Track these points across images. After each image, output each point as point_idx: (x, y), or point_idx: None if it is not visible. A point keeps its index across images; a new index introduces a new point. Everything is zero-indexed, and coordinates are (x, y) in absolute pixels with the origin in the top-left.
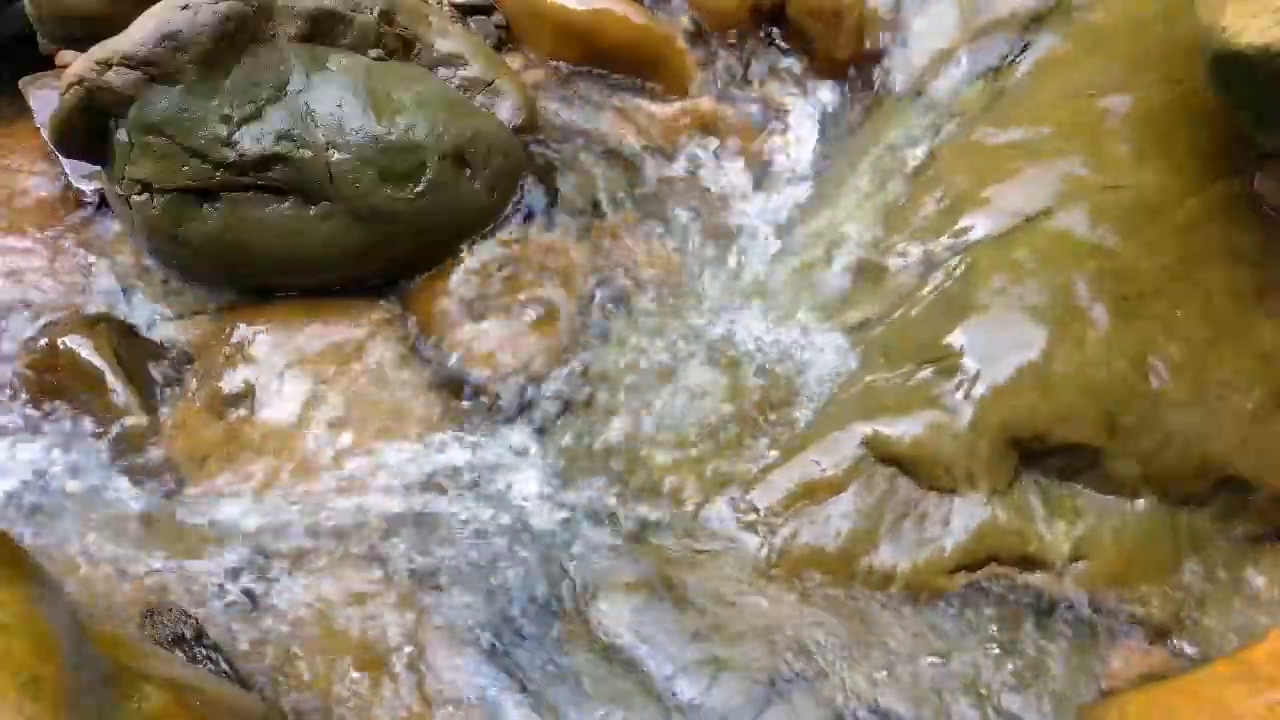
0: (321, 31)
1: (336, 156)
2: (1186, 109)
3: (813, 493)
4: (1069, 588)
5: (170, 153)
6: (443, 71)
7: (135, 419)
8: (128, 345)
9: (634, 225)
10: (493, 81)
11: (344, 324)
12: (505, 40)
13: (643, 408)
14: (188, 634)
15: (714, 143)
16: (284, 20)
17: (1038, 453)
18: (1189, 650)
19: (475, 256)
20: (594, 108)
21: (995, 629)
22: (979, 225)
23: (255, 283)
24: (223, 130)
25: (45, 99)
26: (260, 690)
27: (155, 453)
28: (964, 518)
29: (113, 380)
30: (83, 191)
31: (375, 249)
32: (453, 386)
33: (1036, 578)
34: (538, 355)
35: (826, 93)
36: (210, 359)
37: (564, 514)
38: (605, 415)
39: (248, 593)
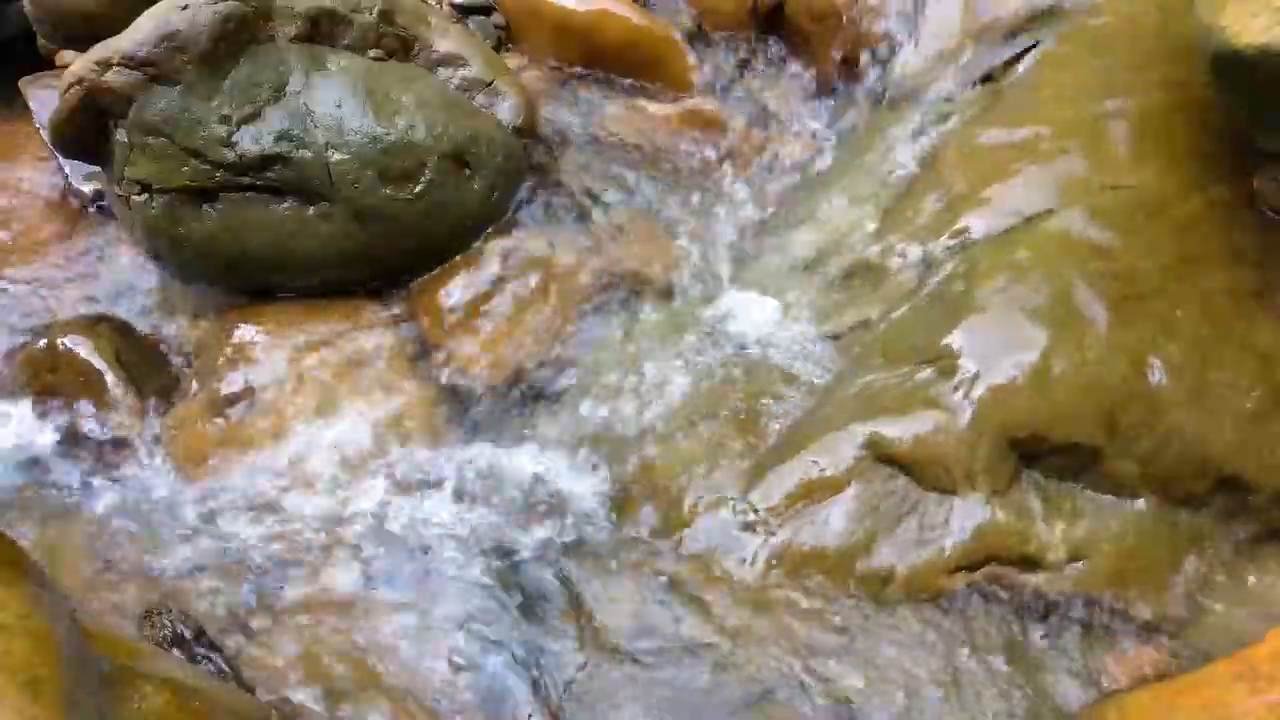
0: (321, 32)
1: (336, 157)
2: (1186, 109)
3: (812, 493)
4: (1068, 588)
5: (169, 153)
6: (442, 72)
7: (135, 419)
8: (128, 345)
9: (633, 225)
10: (492, 82)
11: (344, 324)
12: (505, 40)
13: (643, 407)
14: (188, 634)
15: (713, 142)
16: (284, 20)
17: (1037, 453)
18: (1189, 650)
19: (475, 257)
20: (593, 108)
21: (994, 629)
22: (979, 225)
23: (255, 283)
24: (222, 131)
25: (45, 99)
26: (260, 690)
27: (155, 453)
28: (963, 518)
29: (113, 380)
30: (83, 191)
31: (375, 249)
32: (453, 386)
33: (1036, 578)
34: (538, 355)
35: (825, 92)
36: (210, 359)
37: (564, 513)
38: (605, 415)
39: (248, 592)
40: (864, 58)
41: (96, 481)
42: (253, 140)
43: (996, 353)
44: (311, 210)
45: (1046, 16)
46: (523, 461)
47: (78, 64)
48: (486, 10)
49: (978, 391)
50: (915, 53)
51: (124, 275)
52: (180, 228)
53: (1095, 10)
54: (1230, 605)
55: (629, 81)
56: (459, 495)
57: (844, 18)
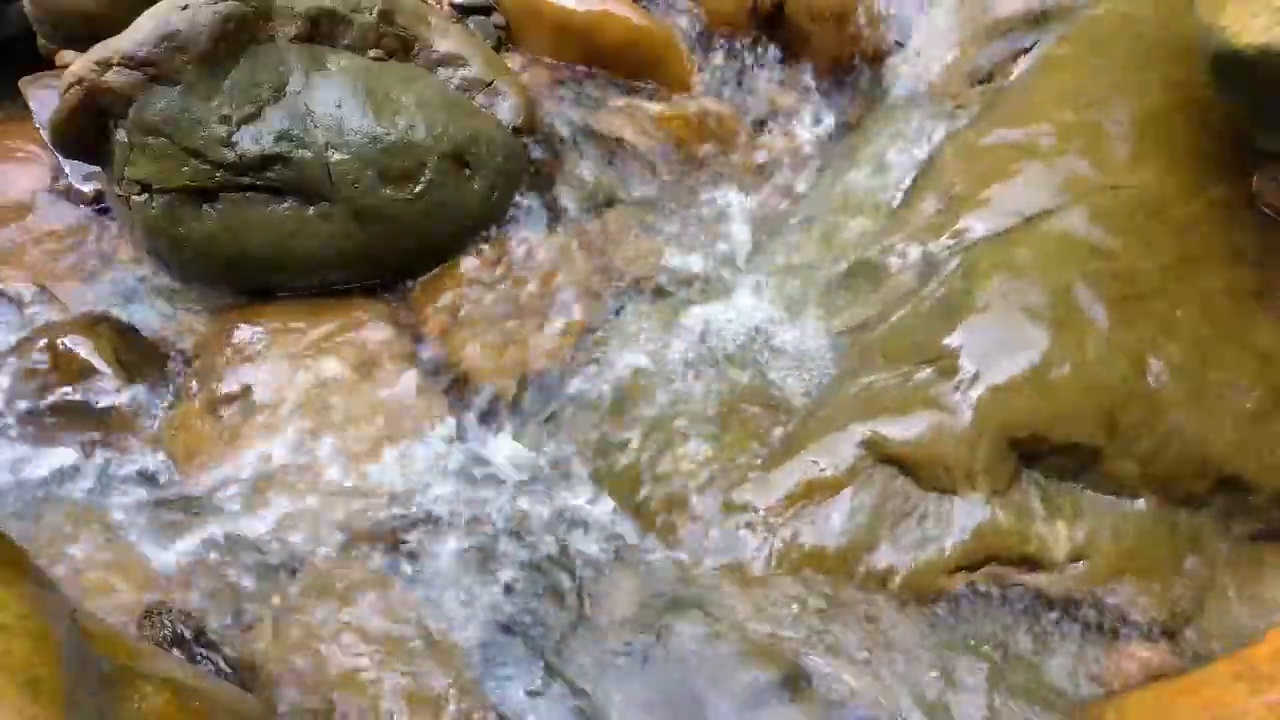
0: (321, 31)
1: (336, 157)
2: (1186, 109)
3: (812, 493)
4: (1069, 588)
5: (169, 153)
6: (442, 72)
7: (134, 419)
8: (128, 345)
9: (633, 225)
10: (492, 82)
11: (344, 324)
12: (505, 40)
13: (642, 408)
14: (188, 634)
15: (713, 142)
16: (284, 20)
17: (1037, 453)
18: (1189, 650)
19: (475, 257)
20: (593, 108)
21: (994, 629)
22: (979, 225)
23: (255, 283)
24: (222, 131)
25: (45, 99)
26: (260, 690)
27: (155, 452)
28: (963, 518)
29: (113, 380)
30: (83, 191)
31: (375, 249)
32: (453, 387)
33: (1036, 578)
34: (538, 355)
35: (825, 93)
36: (210, 359)
37: (564, 515)
38: (605, 415)
39: (248, 592)
40: (864, 58)
41: (96, 481)
42: (253, 140)
43: (996, 353)
44: (311, 210)
45: (1046, 17)
46: (522, 460)
47: (78, 64)
48: (486, 10)
49: (978, 391)
50: (915, 53)
51: (124, 275)
52: (180, 228)
53: (1095, 10)
54: (1230, 605)
55: (629, 81)
56: (458, 494)
57: (844, 18)
